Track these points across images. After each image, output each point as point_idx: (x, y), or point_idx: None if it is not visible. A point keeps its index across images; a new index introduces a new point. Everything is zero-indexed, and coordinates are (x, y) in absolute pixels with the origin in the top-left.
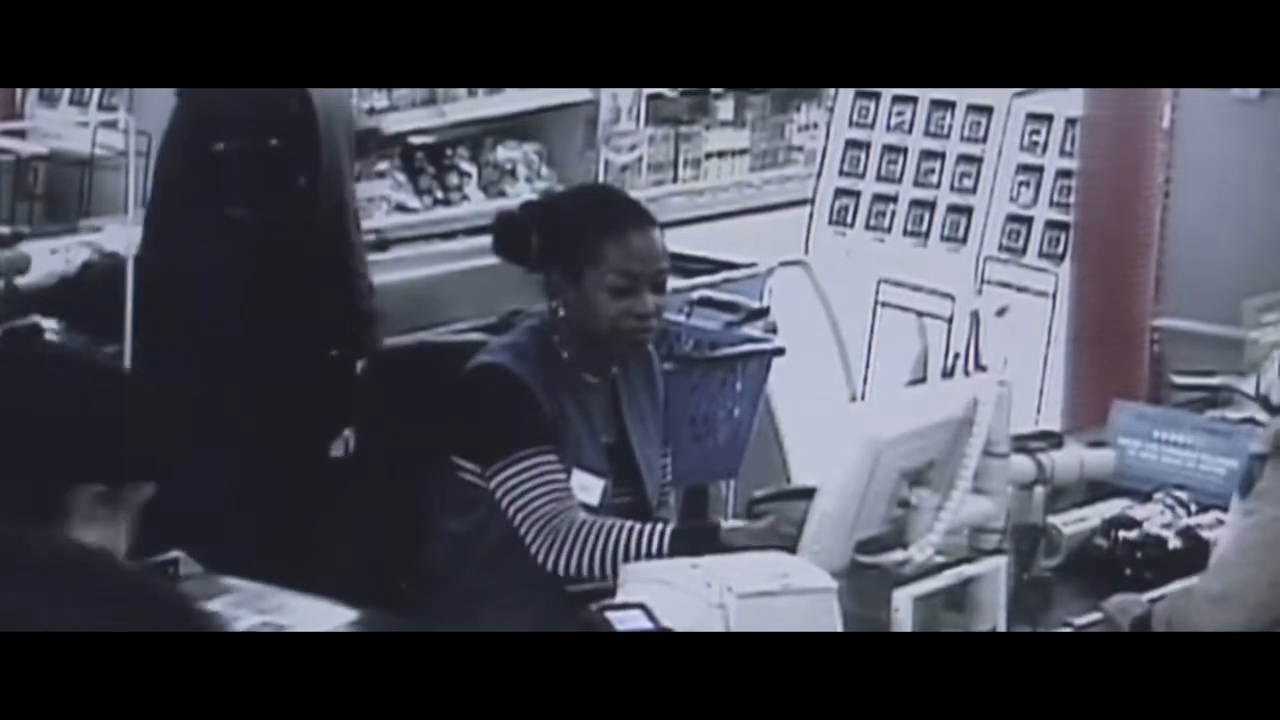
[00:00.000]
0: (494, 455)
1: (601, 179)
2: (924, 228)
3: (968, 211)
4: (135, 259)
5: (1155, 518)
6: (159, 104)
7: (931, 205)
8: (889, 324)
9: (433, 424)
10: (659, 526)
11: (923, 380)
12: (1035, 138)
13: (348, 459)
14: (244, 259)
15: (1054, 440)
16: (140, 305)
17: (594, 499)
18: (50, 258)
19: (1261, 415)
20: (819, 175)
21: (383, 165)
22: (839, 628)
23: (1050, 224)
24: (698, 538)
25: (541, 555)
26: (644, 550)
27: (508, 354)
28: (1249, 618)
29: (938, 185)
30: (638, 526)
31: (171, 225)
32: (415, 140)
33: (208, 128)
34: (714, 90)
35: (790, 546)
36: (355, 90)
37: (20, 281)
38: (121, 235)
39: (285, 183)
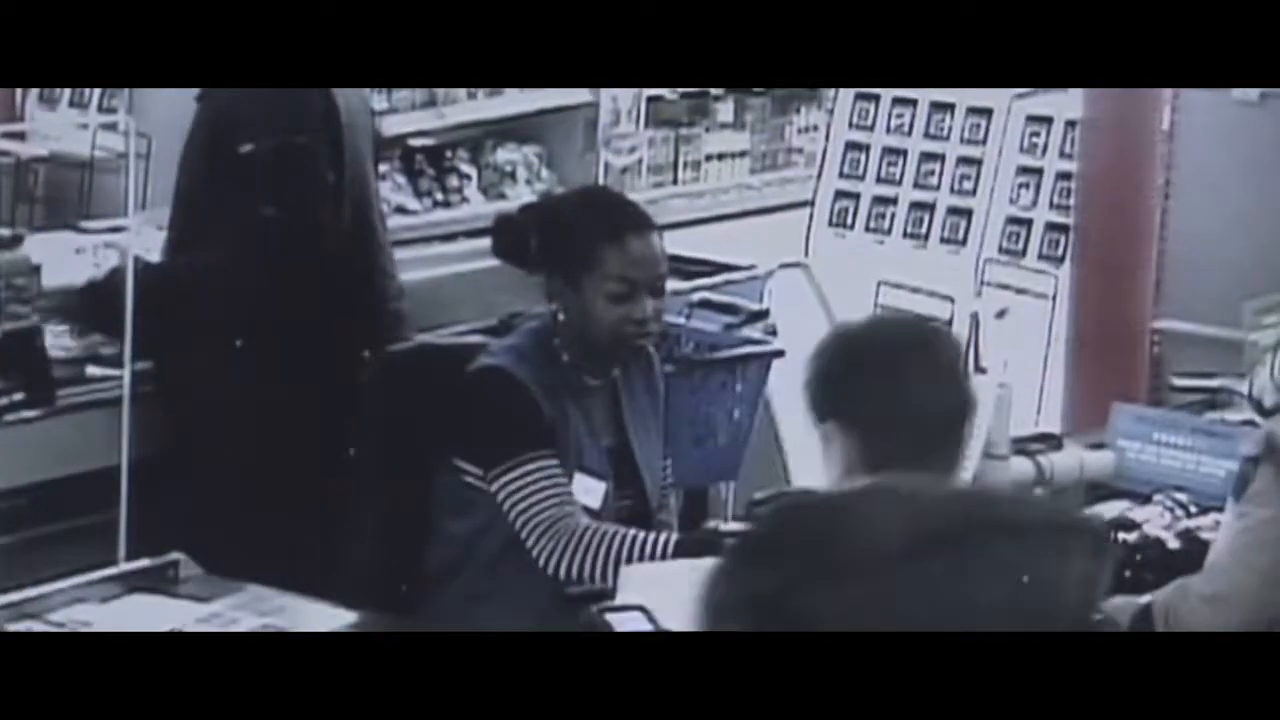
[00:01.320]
0: (495, 458)
1: (601, 181)
2: (924, 230)
3: (967, 214)
4: (159, 265)
5: (1155, 520)
6: (159, 106)
7: (931, 207)
8: None
9: (434, 426)
10: (663, 535)
11: None
12: (1035, 139)
13: (349, 462)
14: (271, 258)
15: (1053, 442)
16: (166, 312)
17: (595, 502)
18: (75, 258)
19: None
20: (819, 177)
21: (383, 167)
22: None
23: (1050, 226)
24: (701, 545)
25: (543, 559)
26: (647, 558)
27: (509, 356)
28: (1242, 619)
29: (937, 187)
30: (641, 534)
31: (201, 230)
32: (415, 142)
33: (233, 130)
34: (714, 92)
35: None
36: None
37: (48, 284)
38: (144, 237)
39: (316, 180)
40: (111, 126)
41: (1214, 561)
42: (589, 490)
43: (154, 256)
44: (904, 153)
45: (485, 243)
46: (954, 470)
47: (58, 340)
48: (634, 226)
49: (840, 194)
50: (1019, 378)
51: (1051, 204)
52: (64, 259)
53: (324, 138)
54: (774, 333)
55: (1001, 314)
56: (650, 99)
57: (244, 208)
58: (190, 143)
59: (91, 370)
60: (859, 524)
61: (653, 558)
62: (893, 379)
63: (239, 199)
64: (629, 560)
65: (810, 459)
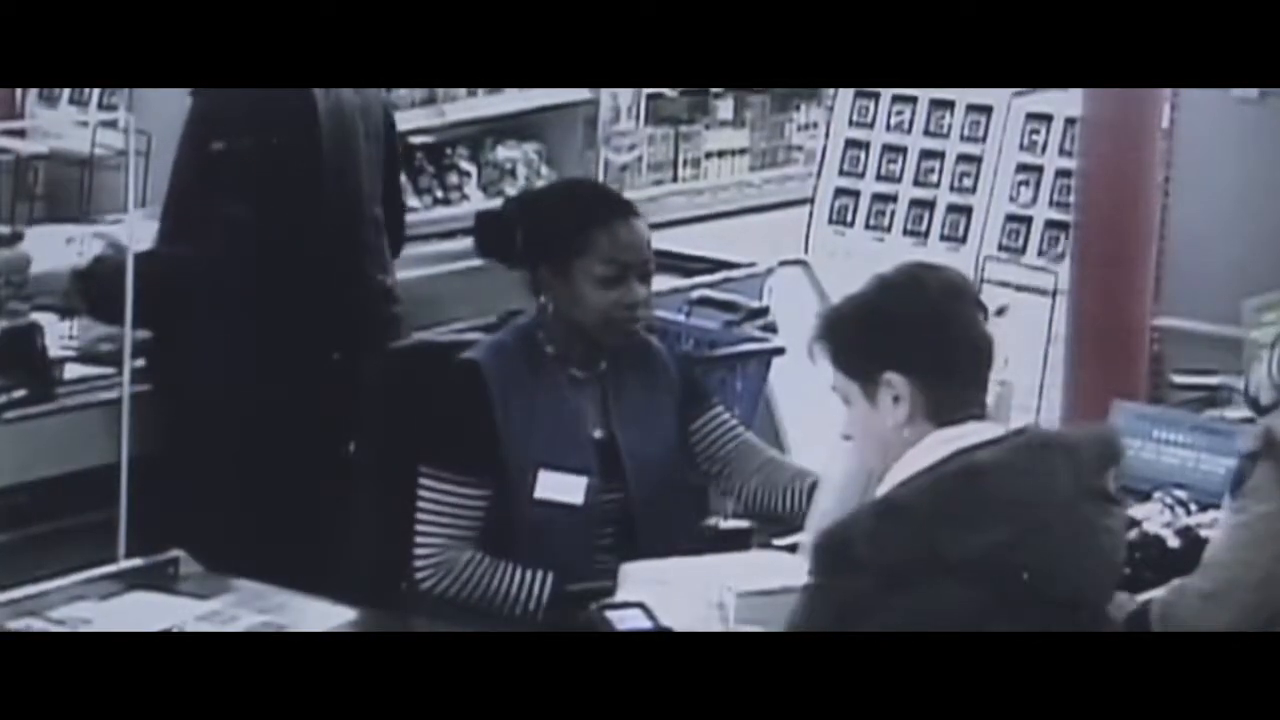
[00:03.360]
0: (429, 455)
1: (601, 178)
2: (924, 227)
3: (967, 211)
4: (144, 254)
5: (1154, 517)
6: (159, 104)
7: (931, 205)
8: None
9: (425, 412)
10: (540, 574)
11: None
12: (1035, 137)
13: (348, 459)
14: (244, 256)
15: None
16: (149, 300)
17: (577, 497)
18: (65, 247)
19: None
20: (819, 175)
21: None
22: None
23: (1050, 224)
24: (581, 597)
25: (421, 574)
26: (519, 597)
27: (485, 350)
28: (1238, 616)
29: (937, 185)
30: (520, 572)
31: (179, 222)
32: (415, 140)
33: (212, 126)
34: (714, 90)
35: None
36: (383, 93)
37: (33, 271)
38: (140, 228)
39: (284, 181)
40: (111, 124)
41: (1211, 558)
42: (567, 487)
43: (142, 247)
44: (904, 150)
45: None
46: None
47: (57, 337)
48: (620, 212)
49: (840, 191)
50: (1019, 375)
51: (1051, 201)
52: (55, 249)
53: (302, 138)
54: (774, 330)
55: (1001, 311)
56: (650, 96)
57: (215, 204)
58: (181, 136)
59: (90, 369)
60: (1036, 478)
61: (525, 598)
62: (961, 325)
63: (211, 195)
64: (498, 596)
65: (811, 457)
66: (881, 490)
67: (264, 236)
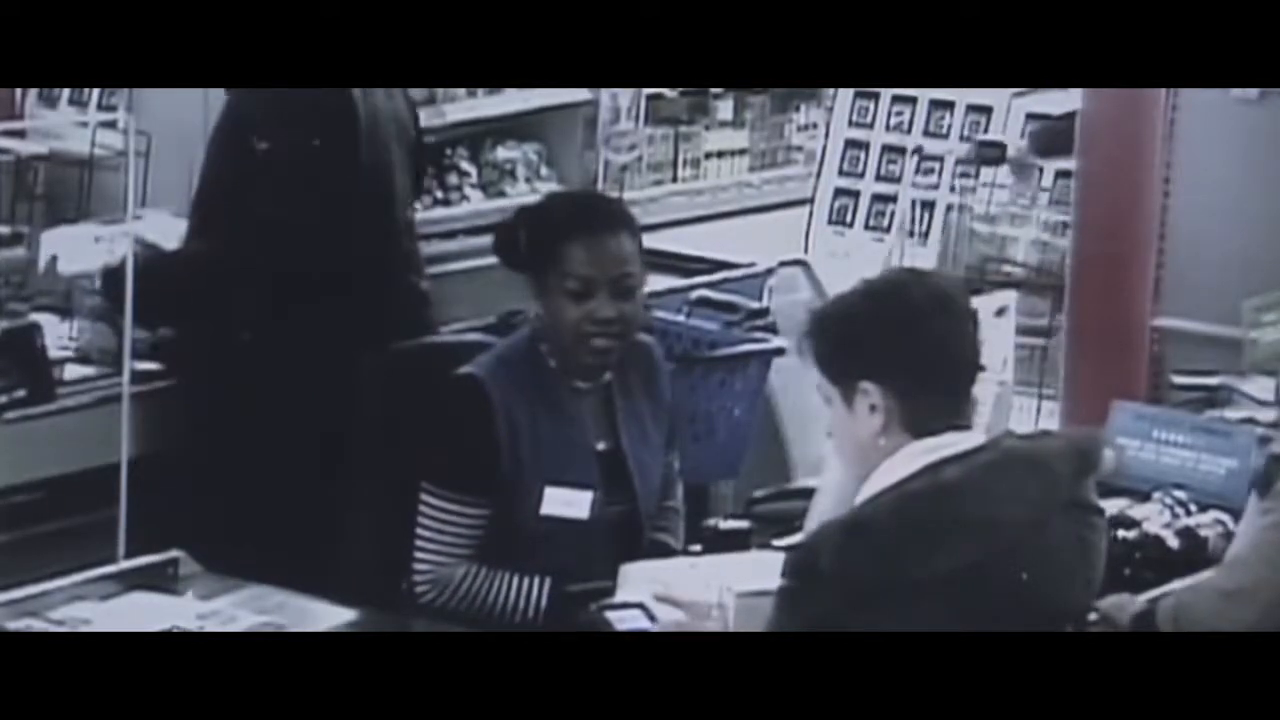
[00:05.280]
0: (431, 471)
1: (601, 179)
2: (923, 228)
3: (967, 210)
4: (169, 254)
5: (1154, 517)
6: (159, 104)
7: (930, 205)
8: None
9: (427, 425)
10: (536, 581)
11: None
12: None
13: (349, 459)
14: (280, 257)
15: None
16: (179, 298)
17: (582, 512)
18: (95, 246)
19: (1261, 415)
20: (818, 175)
21: None
22: None
23: (1049, 224)
24: (581, 598)
25: (419, 588)
26: (518, 605)
27: (489, 364)
28: (1260, 615)
29: (937, 185)
30: (517, 581)
31: (213, 220)
32: None
33: (252, 125)
34: (713, 90)
35: None
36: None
37: (63, 272)
38: (162, 225)
39: (324, 184)
40: (111, 124)
41: (1236, 557)
42: (573, 502)
43: (168, 245)
44: (903, 150)
45: (484, 240)
46: (972, 426)
47: (57, 337)
48: (599, 225)
49: (840, 191)
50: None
51: (1051, 202)
52: (82, 248)
53: (342, 141)
54: (774, 330)
55: (1001, 312)
56: (650, 97)
57: (250, 204)
58: (216, 131)
59: (90, 369)
60: (1004, 495)
61: (525, 609)
62: (942, 339)
63: (247, 195)
64: (497, 605)
65: (813, 457)
66: (859, 500)
67: (299, 238)
